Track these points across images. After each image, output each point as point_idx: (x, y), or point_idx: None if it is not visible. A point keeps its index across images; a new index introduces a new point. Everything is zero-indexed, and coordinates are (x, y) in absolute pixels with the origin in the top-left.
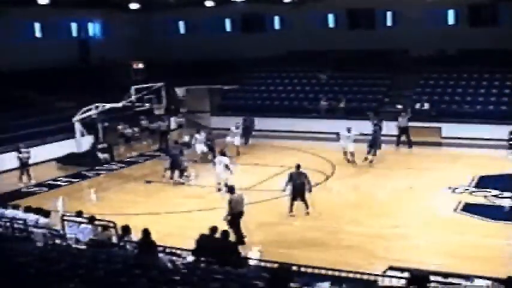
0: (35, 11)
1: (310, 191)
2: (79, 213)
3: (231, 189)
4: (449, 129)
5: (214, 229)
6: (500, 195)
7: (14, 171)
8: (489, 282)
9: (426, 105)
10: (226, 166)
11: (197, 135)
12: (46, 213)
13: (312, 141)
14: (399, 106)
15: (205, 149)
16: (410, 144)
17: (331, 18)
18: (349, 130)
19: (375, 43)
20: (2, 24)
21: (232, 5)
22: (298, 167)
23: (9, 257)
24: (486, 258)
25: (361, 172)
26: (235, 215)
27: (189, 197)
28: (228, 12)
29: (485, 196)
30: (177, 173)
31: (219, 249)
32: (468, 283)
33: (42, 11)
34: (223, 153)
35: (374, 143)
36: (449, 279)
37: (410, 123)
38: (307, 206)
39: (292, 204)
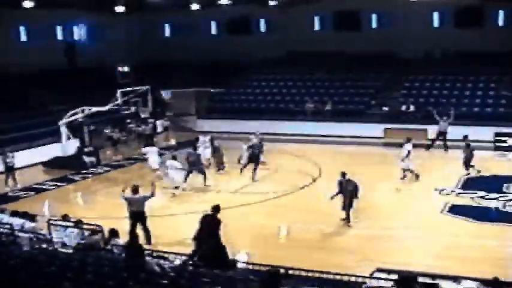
0: (21, 13)
1: (357, 197)
2: (64, 217)
3: (134, 190)
4: (435, 130)
5: (217, 208)
6: (486, 197)
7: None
8: (477, 283)
9: (412, 107)
10: (180, 169)
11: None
12: (32, 218)
13: (299, 144)
14: (385, 108)
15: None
16: (446, 147)
17: (317, 20)
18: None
19: (361, 45)
20: None
21: (218, 7)
22: (344, 174)
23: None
24: (474, 259)
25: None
26: (130, 215)
27: (175, 201)
28: (214, 15)
29: (471, 197)
30: (200, 177)
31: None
32: (456, 284)
33: (28, 14)
34: (174, 157)
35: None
36: (437, 281)
37: (396, 125)
38: (348, 217)
39: (349, 213)
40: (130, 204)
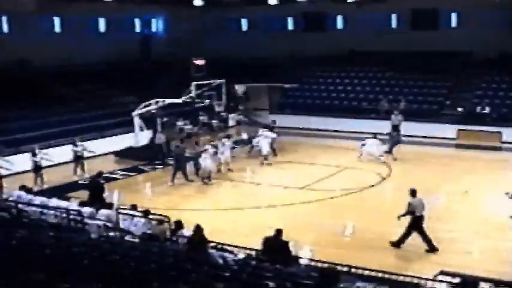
0: (99, 6)
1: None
2: (133, 207)
3: None
4: (509, 133)
5: (279, 231)
6: None
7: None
8: None
9: (487, 109)
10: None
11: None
12: (109, 205)
13: None
14: (459, 109)
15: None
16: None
17: (394, 18)
18: None
19: (437, 44)
20: (67, 19)
21: (295, 3)
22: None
23: (65, 247)
24: None
25: (417, 174)
26: None
27: (243, 194)
28: (290, 11)
29: None
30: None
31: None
32: None
33: (107, 7)
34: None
35: None
36: (501, 287)
37: (470, 127)
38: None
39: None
40: None
